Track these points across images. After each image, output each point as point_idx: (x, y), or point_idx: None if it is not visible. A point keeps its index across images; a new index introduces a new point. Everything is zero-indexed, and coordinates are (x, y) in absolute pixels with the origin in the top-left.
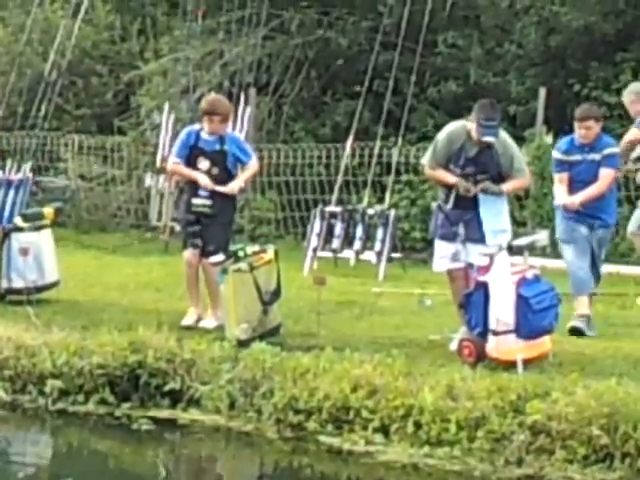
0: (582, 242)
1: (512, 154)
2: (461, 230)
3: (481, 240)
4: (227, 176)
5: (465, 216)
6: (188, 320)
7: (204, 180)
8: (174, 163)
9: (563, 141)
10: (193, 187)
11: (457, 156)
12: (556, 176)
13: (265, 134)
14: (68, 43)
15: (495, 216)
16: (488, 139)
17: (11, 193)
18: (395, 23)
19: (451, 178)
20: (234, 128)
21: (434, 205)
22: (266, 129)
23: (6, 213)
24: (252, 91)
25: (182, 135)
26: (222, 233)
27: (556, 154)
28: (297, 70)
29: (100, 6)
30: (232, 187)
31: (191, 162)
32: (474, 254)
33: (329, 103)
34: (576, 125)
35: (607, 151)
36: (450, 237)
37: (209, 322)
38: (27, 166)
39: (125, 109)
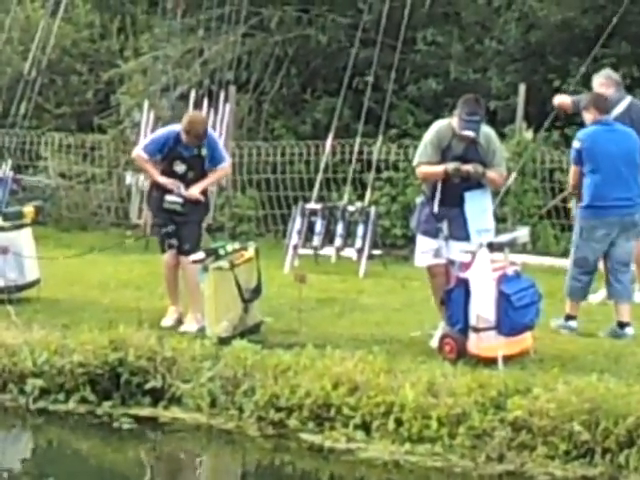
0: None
1: (494, 149)
2: (445, 227)
3: (465, 238)
4: (203, 179)
5: (450, 213)
6: (168, 320)
7: (164, 181)
8: (140, 157)
9: None
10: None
11: (445, 154)
12: None
13: (245, 131)
14: (48, 41)
15: (480, 214)
16: (467, 133)
17: None
18: (375, 20)
19: (439, 167)
20: (214, 127)
21: (418, 200)
22: (246, 126)
23: None
24: (232, 89)
25: (161, 133)
26: (196, 231)
27: None
28: (277, 67)
29: (80, 4)
30: (191, 193)
31: (167, 164)
32: (455, 251)
33: (309, 100)
34: None
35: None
36: (433, 233)
37: (190, 326)
38: (7, 164)
39: (105, 107)
